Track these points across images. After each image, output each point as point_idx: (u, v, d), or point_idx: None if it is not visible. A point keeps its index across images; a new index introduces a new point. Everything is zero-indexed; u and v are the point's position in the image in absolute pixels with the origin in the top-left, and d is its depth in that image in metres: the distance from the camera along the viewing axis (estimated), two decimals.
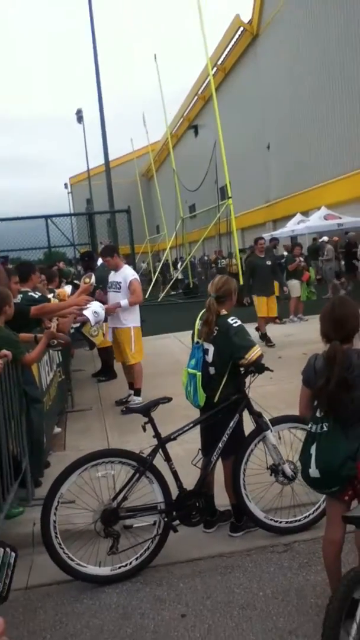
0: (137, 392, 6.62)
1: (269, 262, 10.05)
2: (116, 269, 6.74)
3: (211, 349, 3.63)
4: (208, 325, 3.60)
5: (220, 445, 3.59)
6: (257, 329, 9.90)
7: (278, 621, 2.84)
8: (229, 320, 3.59)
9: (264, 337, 9.75)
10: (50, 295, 6.26)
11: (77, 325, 6.42)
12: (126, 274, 6.64)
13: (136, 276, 6.76)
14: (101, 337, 7.03)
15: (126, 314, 6.55)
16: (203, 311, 3.77)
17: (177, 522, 3.43)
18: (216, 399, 3.61)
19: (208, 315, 3.62)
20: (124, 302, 6.45)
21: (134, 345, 6.59)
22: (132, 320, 6.63)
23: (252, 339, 3.59)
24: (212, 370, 3.63)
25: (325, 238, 18.40)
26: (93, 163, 38.22)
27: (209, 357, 3.63)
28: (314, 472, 2.65)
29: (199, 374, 3.60)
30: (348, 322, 2.66)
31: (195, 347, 3.71)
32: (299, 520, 3.68)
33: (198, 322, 3.76)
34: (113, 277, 6.75)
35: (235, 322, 3.58)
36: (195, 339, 3.74)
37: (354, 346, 2.73)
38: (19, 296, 4.99)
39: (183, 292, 23.69)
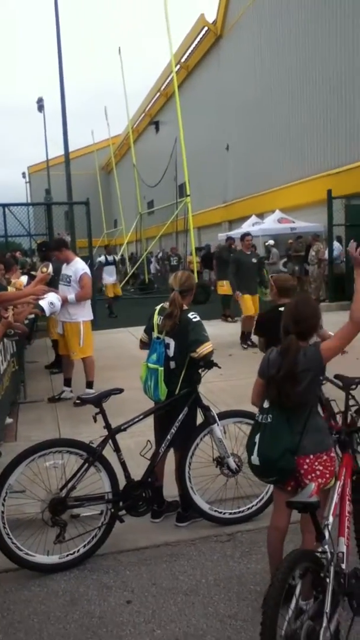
0: (90, 385, 6.64)
1: (254, 260, 9.81)
2: (67, 261, 6.72)
3: (172, 343, 3.72)
4: (172, 318, 3.68)
5: (168, 437, 3.70)
6: (246, 333, 9.37)
7: (219, 606, 2.97)
8: (189, 315, 3.70)
9: (247, 338, 9.33)
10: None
11: (32, 316, 6.38)
12: (77, 267, 6.61)
13: (87, 270, 6.70)
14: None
15: (75, 308, 6.51)
16: (161, 306, 3.86)
17: (124, 511, 3.51)
18: (177, 392, 3.71)
19: (173, 310, 3.69)
20: (70, 296, 6.43)
21: (83, 339, 6.56)
22: (82, 314, 6.60)
23: (207, 335, 3.69)
24: (172, 364, 3.72)
25: (271, 242, 18.78)
26: (52, 153, 37.63)
27: (170, 352, 3.72)
28: (255, 459, 2.79)
29: (161, 369, 3.67)
30: (307, 319, 2.79)
31: (156, 342, 3.77)
32: (242, 511, 3.83)
33: (157, 317, 3.83)
34: (65, 269, 6.72)
35: (195, 317, 3.70)
36: (156, 334, 3.81)
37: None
38: None
39: (138, 288, 23.72)
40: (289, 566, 2.23)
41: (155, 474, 3.74)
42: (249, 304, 9.56)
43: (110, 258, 16.16)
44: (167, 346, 3.74)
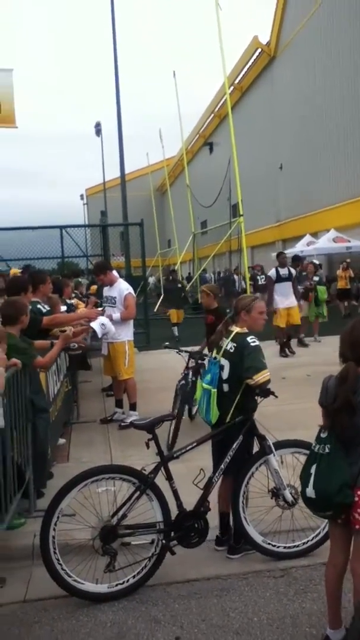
0: (133, 407, 6.63)
1: None
2: (111, 284, 6.78)
3: (227, 365, 3.64)
4: (218, 334, 3.71)
5: (222, 466, 3.61)
6: None
7: None
8: (248, 339, 3.60)
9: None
10: (63, 308, 6.31)
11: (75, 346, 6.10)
12: (121, 288, 6.67)
13: (130, 290, 6.76)
14: None
15: (120, 328, 6.49)
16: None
17: (175, 542, 3.42)
18: (228, 418, 3.62)
19: (221, 327, 3.74)
20: (115, 315, 6.44)
21: (128, 359, 6.58)
22: (125, 334, 6.62)
23: (264, 362, 3.58)
24: (225, 387, 3.64)
25: (316, 261, 18.35)
26: (109, 176, 38.59)
27: (224, 374, 3.65)
28: (310, 492, 2.66)
29: (213, 390, 3.61)
30: None
31: (212, 362, 3.73)
32: (297, 546, 3.67)
33: None
34: (108, 291, 6.79)
35: (254, 342, 3.59)
36: (213, 354, 3.78)
37: None
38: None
39: (191, 308, 23.68)
40: None
41: (208, 503, 3.63)
42: None
43: (283, 271, 10.63)
44: (221, 368, 3.66)
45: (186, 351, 6.37)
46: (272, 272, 10.71)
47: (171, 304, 14.80)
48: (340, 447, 2.62)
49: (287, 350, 10.48)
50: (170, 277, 16.58)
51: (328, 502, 2.61)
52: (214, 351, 3.78)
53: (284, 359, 10.09)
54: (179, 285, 15.71)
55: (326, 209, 23.15)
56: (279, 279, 10.53)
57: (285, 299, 10.49)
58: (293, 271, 10.80)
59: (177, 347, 6.63)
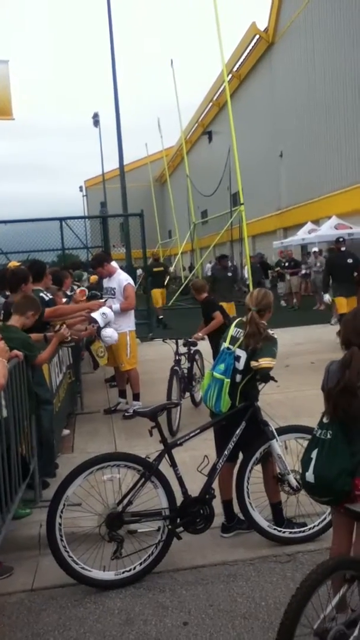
0: (137, 397, 6.63)
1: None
2: (110, 275, 6.74)
3: (243, 356, 3.64)
4: (254, 337, 3.60)
5: (226, 452, 3.62)
6: None
7: None
8: (268, 331, 3.64)
9: None
10: (64, 300, 6.33)
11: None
12: (120, 279, 6.64)
13: (130, 281, 6.73)
14: (106, 359, 6.62)
15: (120, 319, 6.44)
16: (239, 319, 3.82)
17: (181, 529, 3.43)
18: (237, 404, 3.64)
19: (253, 330, 3.62)
20: (115, 306, 6.37)
21: (130, 349, 6.56)
22: (126, 324, 6.58)
23: (274, 352, 3.60)
24: (238, 378, 3.65)
25: (315, 249, 18.26)
26: (108, 167, 38.43)
27: (240, 365, 3.65)
28: (309, 476, 2.63)
29: (227, 380, 3.61)
30: None
31: (227, 352, 3.71)
32: (303, 531, 3.67)
33: (233, 329, 3.78)
34: (108, 282, 6.76)
35: (273, 334, 3.64)
36: (226, 345, 3.75)
37: None
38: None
39: (192, 298, 23.63)
40: (331, 568, 2.27)
41: (213, 490, 3.64)
42: None
43: None
44: (237, 358, 3.66)
45: (185, 339, 6.48)
46: None
47: (219, 295, 10.54)
48: (342, 433, 2.60)
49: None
50: (219, 264, 12.75)
51: (327, 487, 2.59)
52: (227, 341, 3.76)
53: (286, 346, 10.07)
54: (229, 274, 12.25)
55: (327, 195, 23.02)
56: None
57: None
58: None
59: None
